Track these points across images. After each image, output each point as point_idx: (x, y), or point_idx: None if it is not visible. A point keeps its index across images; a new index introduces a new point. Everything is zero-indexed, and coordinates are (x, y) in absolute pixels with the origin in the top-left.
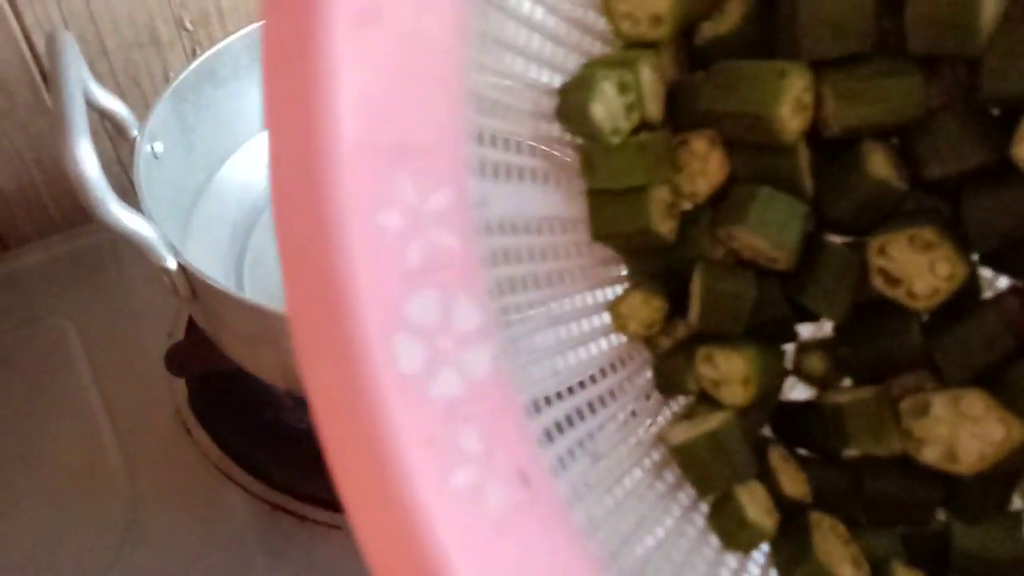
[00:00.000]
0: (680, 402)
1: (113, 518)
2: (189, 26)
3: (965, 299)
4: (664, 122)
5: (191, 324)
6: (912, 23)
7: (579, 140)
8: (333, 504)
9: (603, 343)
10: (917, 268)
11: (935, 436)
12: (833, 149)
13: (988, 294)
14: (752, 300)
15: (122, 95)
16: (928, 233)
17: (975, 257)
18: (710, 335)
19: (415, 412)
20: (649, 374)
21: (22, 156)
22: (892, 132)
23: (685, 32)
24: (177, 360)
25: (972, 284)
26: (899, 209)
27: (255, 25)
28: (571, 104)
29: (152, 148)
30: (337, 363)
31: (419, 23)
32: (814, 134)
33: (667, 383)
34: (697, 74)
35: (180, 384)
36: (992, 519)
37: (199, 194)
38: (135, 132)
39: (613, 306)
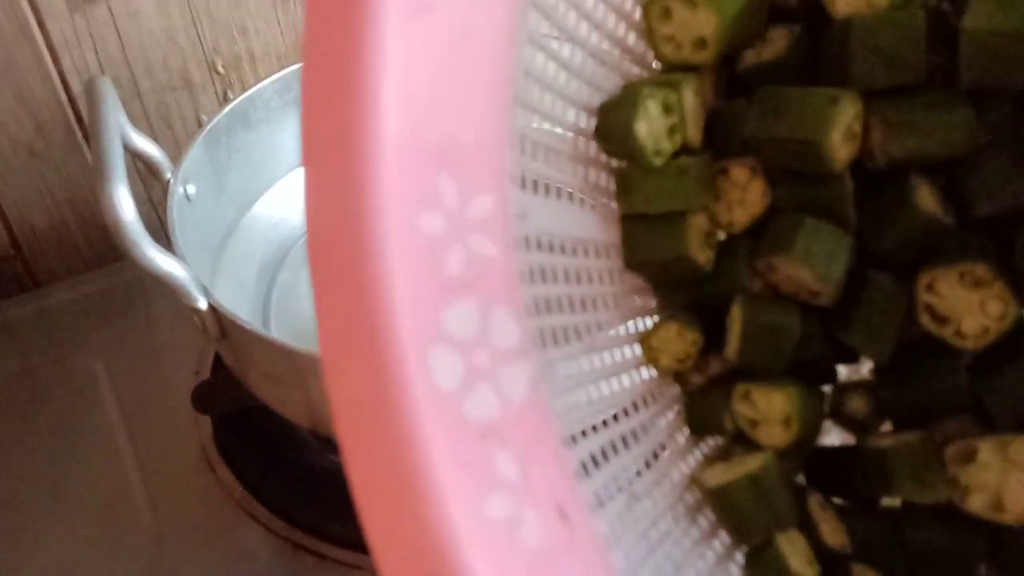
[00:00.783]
0: (710, 442)
1: (137, 554)
2: (221, 70)
3: (1013, 340)
4: (703, 148)
5: (217, 362)
6: (964, 56)
7: (615, 163)
8: (355, 544)
9: (635, 375)
10: (967, 306)
11: (981, 484)
12: (876, 181)
13: None
14: (796, 334)
15: (154, 136)
16: (980, 270)
17: None
18: (749, 371)
19: (450, 431)
20: (679, 411)
21: (55, 195)
22: (939, 166)
23: (726, 59)
24: (203, 398)
25: (1021, 324)
26: (945, 246)
27: (287, 70)
28: (613, 122)
29: (185, 190)
30: (368, 373)
31: (471, 19)
32: (857, 165)
33: (700, 422)
34: (738, 101)
35: (205, 421)
36: None
37: (229, 234)
38: (168, 174)
39: (645, 338)
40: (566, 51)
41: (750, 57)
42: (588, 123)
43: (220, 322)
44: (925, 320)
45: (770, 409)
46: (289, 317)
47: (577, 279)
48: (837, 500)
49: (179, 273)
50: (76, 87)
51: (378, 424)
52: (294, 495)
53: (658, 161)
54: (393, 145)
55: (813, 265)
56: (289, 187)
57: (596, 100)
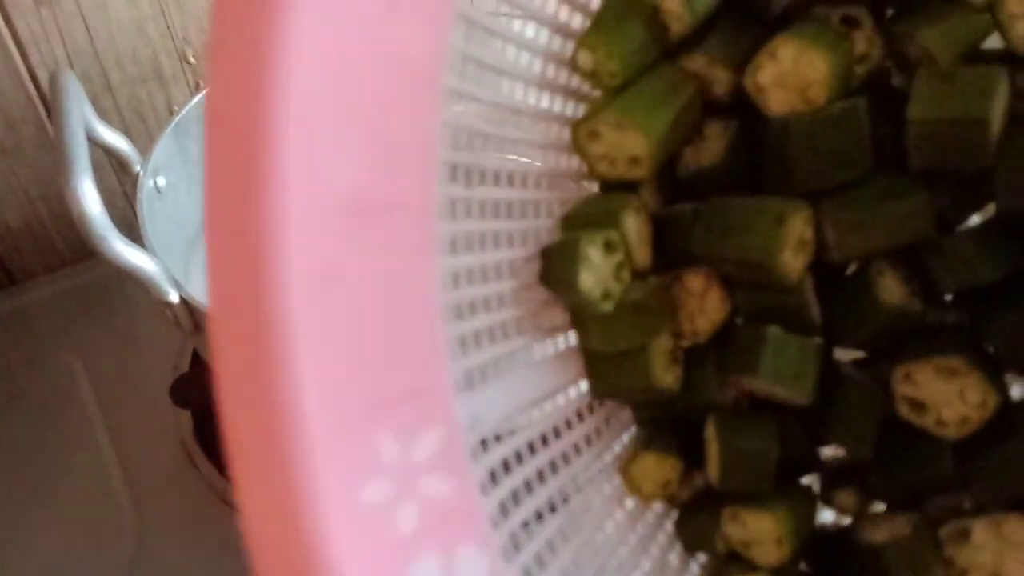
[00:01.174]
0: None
1: (120, 550)
2: (192, 60)
3: (996, 423)
4: (653, 263)
5: (196, 356)
6: (912, 145)
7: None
8: None
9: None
10: (945, 396)
11: (978, 565)
12: (837, 270)
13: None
14: (776, 456)
15: (127, 130)
16: (955, 362)
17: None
18: (734, 493)
19: None
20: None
21: (28, 192)
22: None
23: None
24: (182, 392)
25: (1003, 408)
26: (919, 326)
27: None
28: (556, 272)
29: (155, 182)
30: None
31: (384, 264)
32: (816, 258)
33: (692, 541)
34: (684, 207)
35: (186, 416)
36: None
37: (202, 225)
38: (138, 167)
39: (624, 469)
40: (489, 215)
41: (689, 158)
42: (532, 273)
43: (193, 315)
44: (904, 410)
45: (761, 531)
46: None
47: (547, 444)
48: None
49: (148, 266)
50: (45, 82)
51: None
52: None
53: (608, 307)
54: (319, 428)
55: (782, 382)
56: None
57: (532, 243)
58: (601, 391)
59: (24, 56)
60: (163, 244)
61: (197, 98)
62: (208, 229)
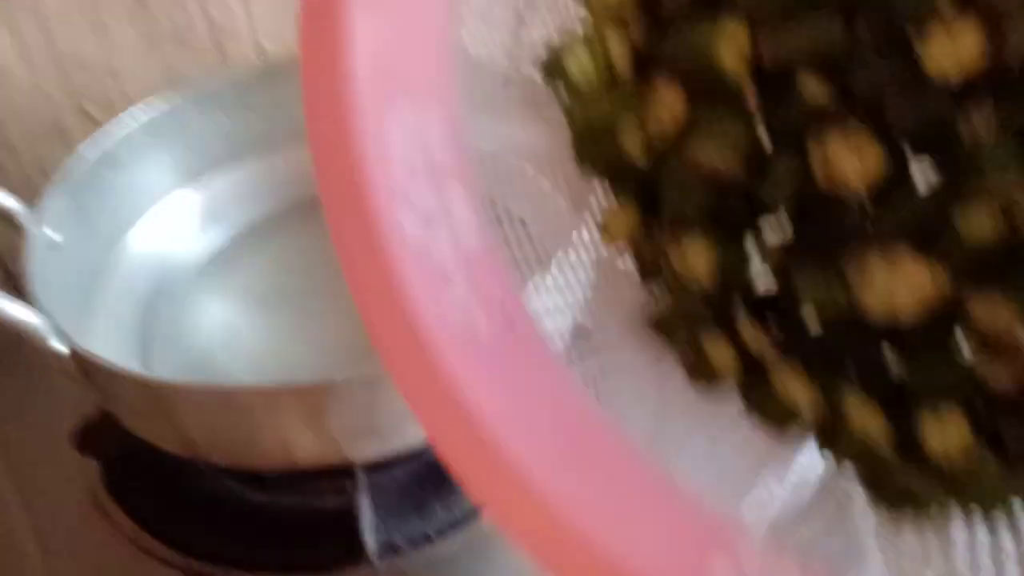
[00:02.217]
0: None
1: None
2: (95, 114)
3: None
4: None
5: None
6: None
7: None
8: (255, 565)
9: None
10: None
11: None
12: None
13: None
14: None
15: (32, 189)
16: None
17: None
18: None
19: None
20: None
21: None
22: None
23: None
24: (88, 440)
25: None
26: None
27: (142, 104)
28: (552, 61)
29: (47, 236)
30: (357, 228)
31: None
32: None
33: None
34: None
35: (93, 464)
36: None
37: (100, 273)
38: (26, 223)
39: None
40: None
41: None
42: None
43: (84, 367)
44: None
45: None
46: (173, 348)
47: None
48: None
49: (29, 320)
50: None
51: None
52: (189, 525)
53: (588, 87)
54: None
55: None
56: (159, 219)
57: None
58: (583, 158)
59: None
60: (57, 297)
61: (89, 151)
62: None
